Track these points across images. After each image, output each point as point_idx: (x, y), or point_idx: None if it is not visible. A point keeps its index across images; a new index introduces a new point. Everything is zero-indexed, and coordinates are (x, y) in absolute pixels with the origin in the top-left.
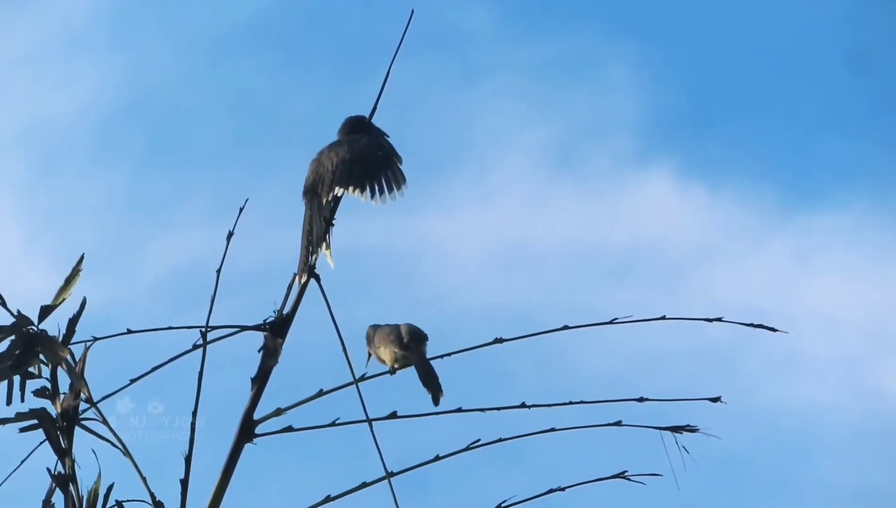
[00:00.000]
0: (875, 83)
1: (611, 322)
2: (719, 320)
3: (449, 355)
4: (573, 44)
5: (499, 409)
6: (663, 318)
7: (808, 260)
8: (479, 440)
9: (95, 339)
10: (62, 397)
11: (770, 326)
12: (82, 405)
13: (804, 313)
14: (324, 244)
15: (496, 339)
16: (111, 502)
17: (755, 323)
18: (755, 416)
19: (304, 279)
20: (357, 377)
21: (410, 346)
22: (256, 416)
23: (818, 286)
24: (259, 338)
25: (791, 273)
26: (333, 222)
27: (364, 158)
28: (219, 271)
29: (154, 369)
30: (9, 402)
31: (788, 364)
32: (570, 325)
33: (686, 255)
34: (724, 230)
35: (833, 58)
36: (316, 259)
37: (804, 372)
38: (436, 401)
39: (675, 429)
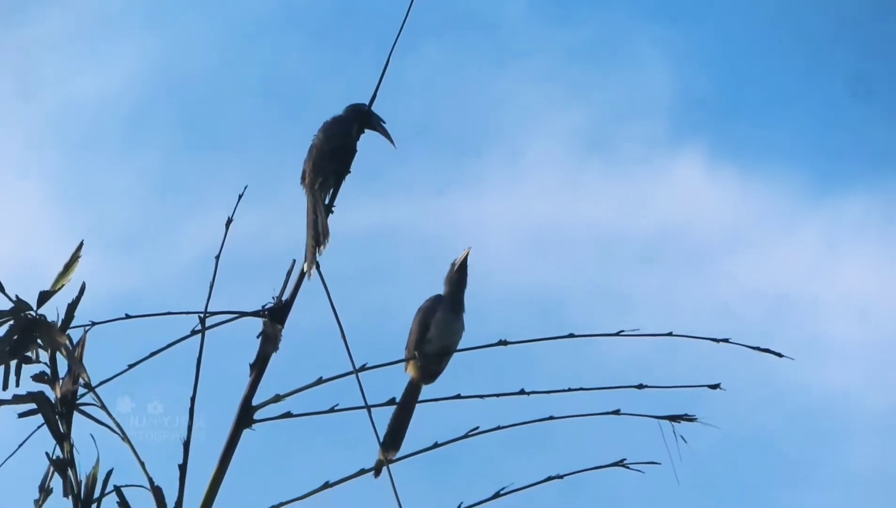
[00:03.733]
0: None
1: (617, 334)
2: (726, 341)
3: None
4: (605, 27)
5: (497, 396)
6: (670, 334)
7: (839, 245)
8: (477, 428)
9: (93, 324)
10: (61, 381)
11: (776, 351)
12: (81, 390)
13: (834, 299)
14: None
15: (500, 341)
16: (109, 487)
17: (761, 347)
18: (782, 400)
19: (311, 273)
20: (356, 365)
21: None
22: (255, 402)
23: (848, 272)
24: (258, 324)
25: (821, 258)
26: (332, 209)
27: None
28: (217, 257)
29: (152, 354)
30: (5, 387)
31: (817, 349)
32: (576, 334)
33: (716, 239)
34: (754, 215)
35: (865, 43)
36: (323, 250)
37: (833, 357)
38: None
39: (673, 418)
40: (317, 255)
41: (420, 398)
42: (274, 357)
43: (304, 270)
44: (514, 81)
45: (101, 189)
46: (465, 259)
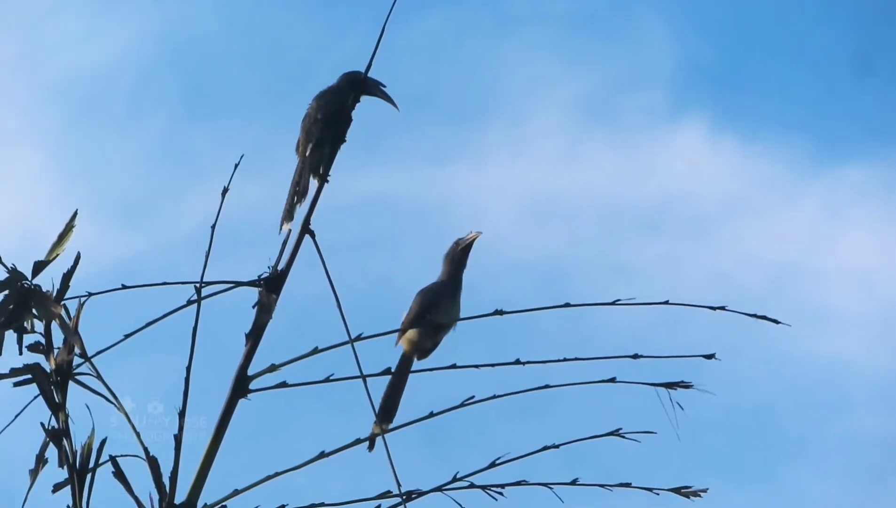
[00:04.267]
0: None
1: (613, 303)
2: (723, 308)
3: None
4: None
5: (492, 366)
6: (666, 303)
7: (841, 213)
8: (473, 397)
9: (90, 294)
10: (56, 352)
11: (773, 318)
12: (76, 360)
13: (836, 267)
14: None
15: (496, 311)
16: (105, 457)
17: (758, 314)
18: (784, 369)
19: (286, 228)
20: (352, 335)
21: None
22: (251, 372)
23: (850, 240)
24: (255, 294)
25: (823, 227)
26: (328, 179)
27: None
28: (213, 226)
29: (148, 324)
30: None
31: (819, 317)
32: (572, 303)
33: (718, 208)
34: (756, 183)
35: (868, 14)
36: (300, 207)
37: (835, 325)
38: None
39: (670, 385)
40: (294, 211)
41: (416, 367)
42: (270, 327)
43: (281, 225)
44: (516, 51)
45: (103, 158)
46: (472, 243)
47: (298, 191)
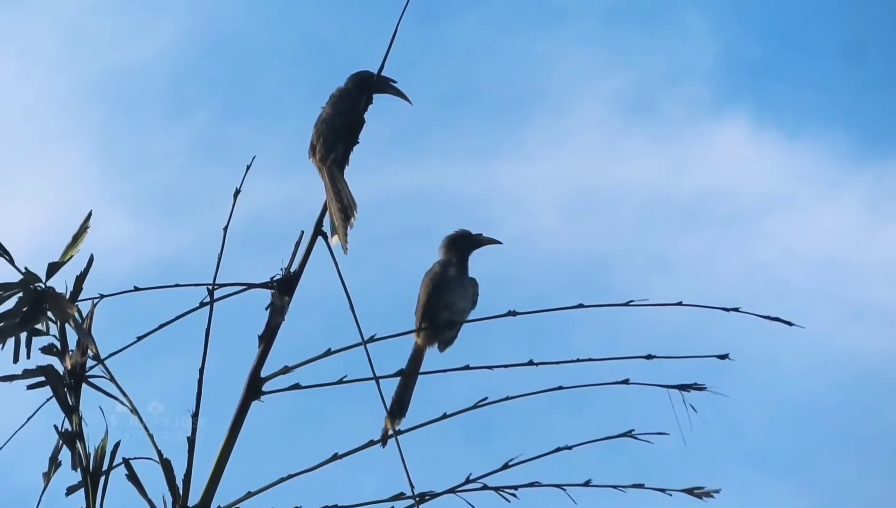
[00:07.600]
0: None
1: (626, 304)
2: (736, 310)
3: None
4: None
5: (506, 366)
6: (680, 304)
7: (883, 208)
8: (486, 399)
9: (102, 296)
10: (70, 354)
11: (786, 320)
12: (90, 363)
13: (879, 262)
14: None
15: (509, 311)
16: (118, 459)
17: (771, 316)
18: (826, 364)
19: (347, 248)
20: (366, 336)
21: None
22: (264, 374)
23: (893, 234)
24: (267, 296)
25: (865, 221)
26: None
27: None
28: (225, 228)
29: (161, 326)
30: (16, 360)
31: (861, 312)
32: (586, 304)
33: (759, 203)
34: (798, 178)
35: None
36: (354, 221)
37: (877, 321)
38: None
39: (683, 387)
40: (349, 228)
41: (430, 368)
42: (283, 329)
43: (341, 246)
44: (558, 45)
45: (145, 155)
46: (485, 244)
47: (347, 207)
